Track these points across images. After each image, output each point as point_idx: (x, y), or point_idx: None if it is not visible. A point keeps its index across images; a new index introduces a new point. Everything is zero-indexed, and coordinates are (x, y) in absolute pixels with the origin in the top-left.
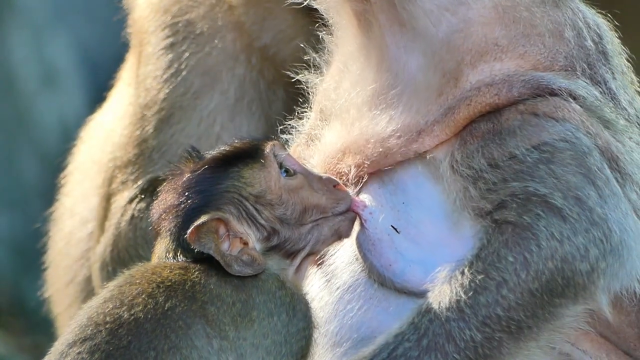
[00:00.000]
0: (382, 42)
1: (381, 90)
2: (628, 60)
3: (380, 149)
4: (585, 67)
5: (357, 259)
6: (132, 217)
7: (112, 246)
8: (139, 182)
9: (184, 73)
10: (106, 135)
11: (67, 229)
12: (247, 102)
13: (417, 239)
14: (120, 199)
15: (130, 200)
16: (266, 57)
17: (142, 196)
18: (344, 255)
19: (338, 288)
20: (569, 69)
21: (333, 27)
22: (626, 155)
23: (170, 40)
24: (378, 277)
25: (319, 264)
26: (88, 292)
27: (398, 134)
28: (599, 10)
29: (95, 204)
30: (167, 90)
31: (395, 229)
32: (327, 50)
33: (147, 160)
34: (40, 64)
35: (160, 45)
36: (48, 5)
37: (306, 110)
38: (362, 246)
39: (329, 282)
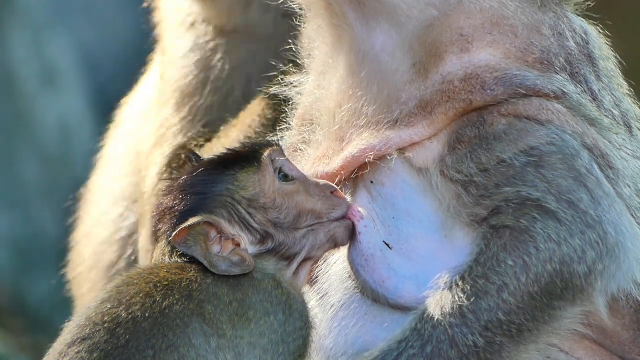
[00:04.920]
0: (346, 23)
1: (353, 76)
2: (619, 67)
3: (360, 139)
4: (565, 64)
5: (350, 277)
6: None
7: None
8: (164, 158)
9: (197, 53)
10: (137, 118)
11: (97, 210)
12: (257, 70)
13: (409, 254)
14: (149, 182)
15: (159, 177)
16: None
17: (169, 170)
18: (337, 273)
19: (332, 305)
20: (545, 62)
21: (311, 33)
22: (615, 151)
23: (188, 24)
24: (372, 293)
25: (313, 282)
26: (110, 278)
27: (374, 120)
28: (591, 16)
29: (126, 184)
30: (181, 72)
31: (388, 245)
32: (307, 59)
33: (169, 140)
34: (40, 64)
35: (176, 30)
36: (48, 5)
37: (287, 124)
38: (355, 262)
39: (323, 299)
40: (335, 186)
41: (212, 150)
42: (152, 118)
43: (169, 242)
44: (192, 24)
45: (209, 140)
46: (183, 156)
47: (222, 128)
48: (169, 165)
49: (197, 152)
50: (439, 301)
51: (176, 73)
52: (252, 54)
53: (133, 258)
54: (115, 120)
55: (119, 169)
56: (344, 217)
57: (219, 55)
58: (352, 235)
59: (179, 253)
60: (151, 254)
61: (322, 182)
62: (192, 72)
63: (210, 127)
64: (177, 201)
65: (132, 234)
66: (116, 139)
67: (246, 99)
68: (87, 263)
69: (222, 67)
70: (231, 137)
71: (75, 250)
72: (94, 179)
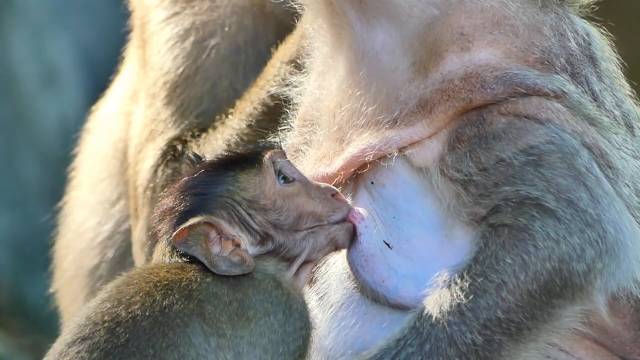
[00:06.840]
0: (346, 22)
1: (352, 75)
2: (621, 68)
3: (360, 139)
4: (566, 64)
5: (349, 277)
6: (161, 187)
7: (147, 225)
8: (159, 151)
9: (185, 41)
10: (114, 122)
11: (76, 221)
12: (245, 60)
13: (409, 253)
14: (142, 175)
15: (154, 170)
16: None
17: (165, 162)
18: (336, 273)
19: (331, 305)
20: (546, 62)
21: (311, 33)
22: (614, 151)
23: (173, 10)
24: (371, 293)
25: (312, 282)
26: (93, 284)
27: (374, 120)
28: (593, 17)
29: (107, 186)
30: (170, 62)
31: (388, 245)
32: (307, 59)
33: (162, 134)
34: (40, 64)
35: (162, 17)
36: (48, 5)
37: (289, 124)
38: (355, 262)
39: (322, 299)
40: (336, 189)
41: (209, 140)
42: (139, 113)
43: (169, 242)
44: (179, 11)
45: (204, 130)
46: (179, 147)
47: (217, 117)
48: (163, 157)
49: (194, 143)
50: (438, 299)
51: (164, 63)
52: (241, 42)
53: (115, 261)
54: (86, 130)
55: (99, 173)
56: (345, 220)
57: (209, 42)
58: (352, 237)
59: (179, 253)
60: (147, 247)
61: (323, 184)
62: (182, 61)
63: (202, 118)
64: (177, 202)
65: (113, 235)
66: (91, 146)
67: (234, 88)
68: (69, 273)
69: (211, 55)
70: (230, 126)
71: (58, 263)
72: (69, 191)
